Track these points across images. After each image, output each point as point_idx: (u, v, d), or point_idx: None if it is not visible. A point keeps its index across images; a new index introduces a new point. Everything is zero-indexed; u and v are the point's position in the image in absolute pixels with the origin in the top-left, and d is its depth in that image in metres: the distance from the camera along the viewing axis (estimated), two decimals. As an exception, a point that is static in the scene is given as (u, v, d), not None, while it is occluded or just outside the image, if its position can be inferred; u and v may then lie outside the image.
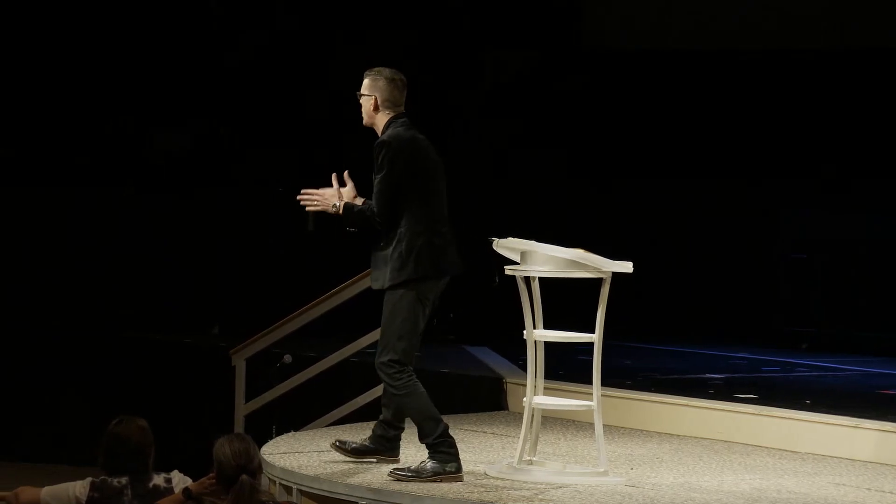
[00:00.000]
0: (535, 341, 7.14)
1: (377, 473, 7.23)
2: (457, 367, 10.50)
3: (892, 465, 7.67)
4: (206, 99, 13.68)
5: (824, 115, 12.48)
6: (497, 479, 7.02)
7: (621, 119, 13.24)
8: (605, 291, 6.98)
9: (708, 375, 10.19)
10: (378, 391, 9.41)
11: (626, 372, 9.99)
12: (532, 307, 7.07)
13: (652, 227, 12.85)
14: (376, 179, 7.07)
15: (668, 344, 11.96)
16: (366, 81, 7.15)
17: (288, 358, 9.79)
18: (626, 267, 7.02)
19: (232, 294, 12.79)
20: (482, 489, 6.84)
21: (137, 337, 12.30)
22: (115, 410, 6.27)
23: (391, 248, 7.07)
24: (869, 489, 7.10)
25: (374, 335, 9.42)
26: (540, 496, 6.68)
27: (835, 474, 7.48)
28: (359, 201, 7.16)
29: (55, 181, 13.27)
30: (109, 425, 5.93)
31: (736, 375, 10.26)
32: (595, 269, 6.91)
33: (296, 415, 9.42)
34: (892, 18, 12.22)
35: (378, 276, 7.17)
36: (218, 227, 13.14)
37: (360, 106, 7.18)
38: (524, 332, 7.10)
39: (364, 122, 7.19)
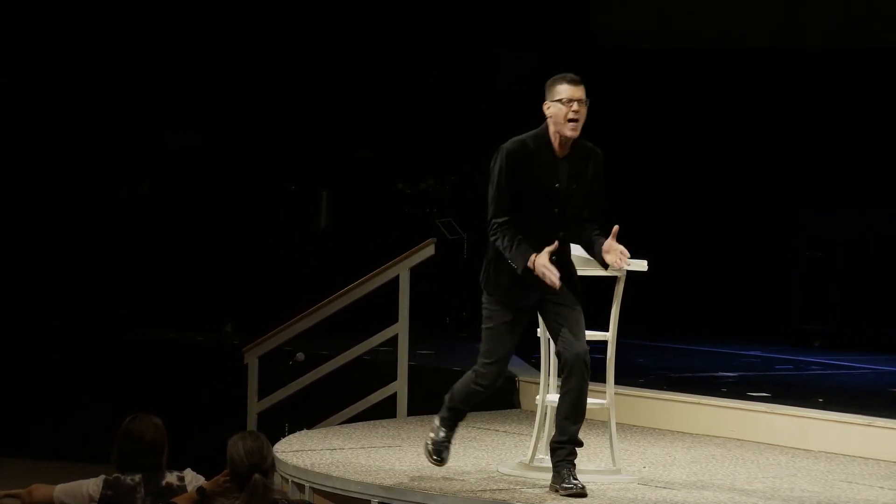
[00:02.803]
0: (549, 339, 7.13)
1: (390, 472, 7.24)
2: (469, 365, 10.47)
3: (906, 464, 7.67)
4: (216, 99, 13.69)
5: (840, 113, 12.46)
6: (510, 476, 7.01)
7: (635, 118, 13.23)
8: (619, 290, 6.97)
9: (721, 374, 10.18)
10: (391, 389, 9.44)
11: (639, 370, 9.98)
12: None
13: (665, 226, 12.83)
14: (603, 194, 6.73)
15: (680, 342, 11.94)
16: (583, 89, 6.68)
17: (300, 356, 9.79)
18: (641, 265, 7.01)
19: (244, 292, 12.80)
20: (495, 487, 6.84)
21: (150, 335, 12.31)
22: (129, 408, 6.28)
23: (571, 261, 6.80)
24: (882, 487, 7.09)
25: (387, 333, 9.47)
26: (553, 494, 6.68)
27: (848, 472, 7.47)
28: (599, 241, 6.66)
29: (69, 181, 13.29)
30: (123, 422, 5.93)
31: (749, 374, 10.25)
32: (610, 266, 6.89)
33: (308, 413, 9.42)
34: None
35: (571, 292, 6.72)
36: (230, 225, 13.14)
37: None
38: (538, 329, 7.09)
39: (576, 133, 6.63)
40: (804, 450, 8.05)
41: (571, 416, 6.66)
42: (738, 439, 8.36)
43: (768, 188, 12.75)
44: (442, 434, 6.95)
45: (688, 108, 13.13)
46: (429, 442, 6.99)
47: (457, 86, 13.32)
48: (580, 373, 6.61)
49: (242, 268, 12.96)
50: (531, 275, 6.52)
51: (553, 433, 6.84)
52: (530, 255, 6.50)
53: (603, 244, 6.60)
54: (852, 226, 11.84)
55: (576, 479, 6.61)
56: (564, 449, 6.66)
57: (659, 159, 13.20)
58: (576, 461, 6.69)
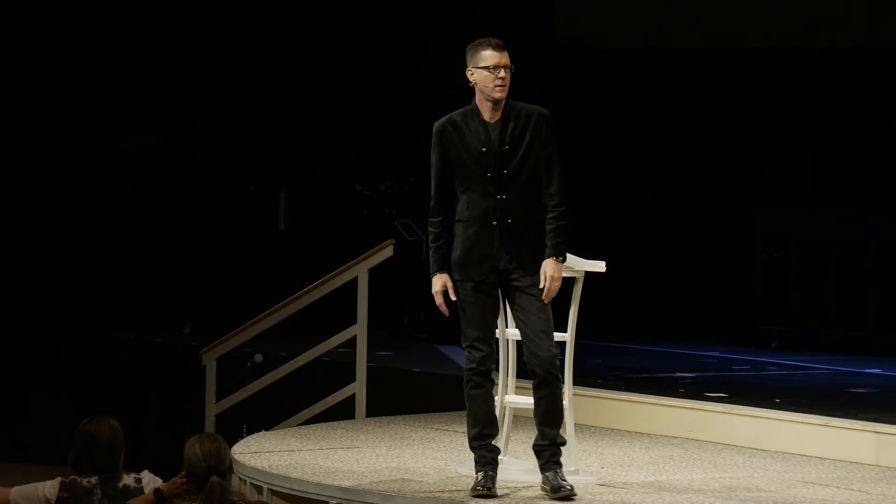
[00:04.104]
0: (508, 340, 7.15)
1: (348, 473, 7.23)
2: (428, 366, 10.51)
3: (861, 463, 7.71)
4: (178, 100, 13.65)
5: (797, 114, 12.52)
6: (469, 478, 7.01)
7: (592, 115, 13.25)
8: (577, 290, 6.99)
9: (678, 374, 10.21)
10: (349, 391, 9.44)
11: (597, 371, 10.00)
12: (505, 306, 7.07)
13: (624, 226, 12.86)
14: (555, 154, 6.63)
15: (638, 343, 11.98)
16: (507, 54, 6.64)
17: (259, 357, 9.78)
18: (599, 266, 7.04)
19: (203, 293, 12.76)
20: (453, 488, 6.84)
21: (109, 336, 12.26)
22: (86, 409, 6.26)
23: (540, 228, 6.63)
24: (838, 487, 7.13)
25: (345, 334, 9.46)
26: (511, 495, 6.69)
27: (804, 472, 7.50)
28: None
29: (26, 180, 13.22)
30: (80, 424, 5.92)
31: (706, 374, 10.29)
32: (567, 267, 6.92)
33: (267, 414, 9.41)
34: (863, 19, 12.29)
35: (531, 261, 6.61)
36: (189, 226, 13.10)
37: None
38: (496, 330, 7.09)
39: (504, 95, 6.59)
40: (761, 450, 8.08)
41: (548, 421, 6.67)
42: (696, 440, 8.38)
43: (724, 187, 12.79)
44: (479, 476, 6.65)
45: (648, 106, 13.16)
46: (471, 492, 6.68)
47: (416, 85, 13.30)
48: (549, 380, 6.63)
49: (201, 269, 12.93)
50: (480, 247, 6.61)
51: (508, 433, 6.92)
52: (435, 272, 6.69)
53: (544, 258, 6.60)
54: (808, 226, 11.89)
55: (563, 479, 6.61)
56: (547, 451, 6.67)
57: (616, 159, 13.23)
58: (561, 459, 6.68)
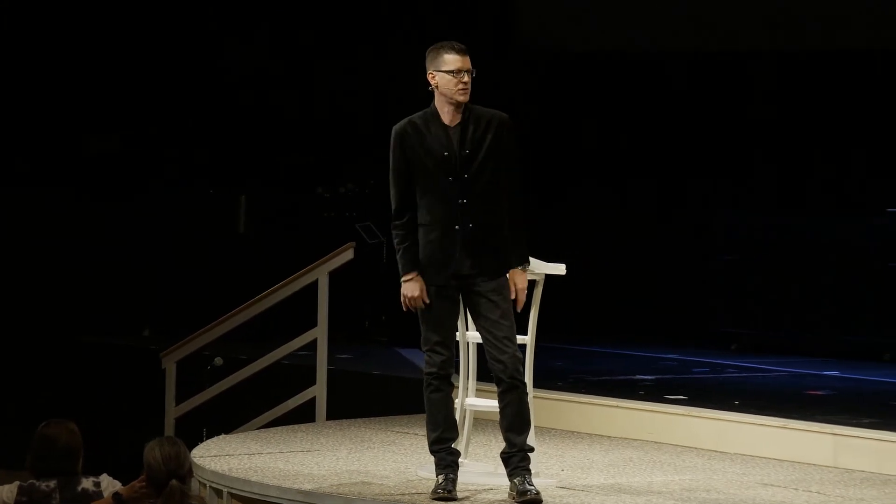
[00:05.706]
0: (468, 343, 7.17)
1: (308, 476, 7.23)
2: (388, 370, 10.51)
3: (820, 465, 7.75)
4: (136, 103, 13.61)
5: (753, 116, 12.59)
6: (429, 480, 7.01)
7: (552, 121, 13.28)
8: (537, 293, 7.01)
9: (638, 377, 10.24)
10: (310, 394, 9.43)
11: (558, 373, 10.02)
12: (465, 309, 7.09)
13: (583, 228, 12.89)
14: (514, 159, 6.60)
15: (598, 345, 12.01)
16: (469, 59, 6.62)
17: (219, 360, 9.76)
18: (559, 269, 7.05)
19: (163, 296, 12.73)
20: (413, 491, 6.85)
21: (68, 339, 12.21)
22: (45, 413, 6.23)
23: (502, 232, 6.62)
24: (797, 489, 7.17)
25: (306, 337, 9.45)
26: (471, 497, 6.70)
27: (763, 474, 7.54)
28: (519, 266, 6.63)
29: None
30: (38, 427, 5.90)
31: (666, 377, 10.32)
32: (528, 270, 6.93)
33: (227, 418, 9.39)
34: (828, 24, 12.38)
35: (493, 265, 6.60)
36: (148, 228, 13.06)
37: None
38: (457, 333, 7.10)
39: (467, 99, 6.56)
40: (720, 452, 8.12)
41: (515, 427, 6.65)
42: (656, 442, 8.41)
43: (682, 190, 12.84)
44: (440, 479, 6.68)
45: (605, 111, 13.20)
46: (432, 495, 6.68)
47: (379, 90, 13.30)
48: (515, 384, 6.62)
49: (161, 272, 12.89)
50: (442, 251, 6.56)
51: (469, 437, 6.91)
52: (408, 271, 6.56)
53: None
54: (766, 228, 11.95)
55: (531, 485, 6.57)
56: (516, 457, 6.64)
57: (578, 161, 13.26)
58: (530, 466, 6.64)
